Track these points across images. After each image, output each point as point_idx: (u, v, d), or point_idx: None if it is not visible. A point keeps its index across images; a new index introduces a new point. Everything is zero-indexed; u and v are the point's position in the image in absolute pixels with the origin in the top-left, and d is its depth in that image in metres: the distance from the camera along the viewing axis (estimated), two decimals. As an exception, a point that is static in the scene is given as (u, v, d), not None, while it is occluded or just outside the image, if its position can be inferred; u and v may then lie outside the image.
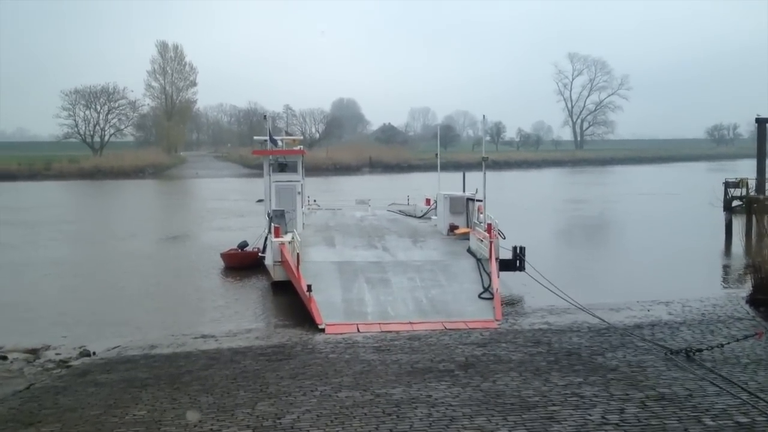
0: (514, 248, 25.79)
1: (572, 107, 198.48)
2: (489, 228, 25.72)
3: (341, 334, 18.45)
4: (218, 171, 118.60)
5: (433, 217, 34.82)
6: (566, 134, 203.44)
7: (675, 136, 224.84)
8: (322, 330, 19.02)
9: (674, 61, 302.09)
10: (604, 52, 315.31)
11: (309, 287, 20.66)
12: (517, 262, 25.74)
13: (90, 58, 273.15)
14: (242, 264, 30.18)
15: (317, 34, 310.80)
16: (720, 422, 10.45)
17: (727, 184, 40.18)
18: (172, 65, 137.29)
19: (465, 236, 29.13)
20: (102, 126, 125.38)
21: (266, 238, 28.45)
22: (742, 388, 12.02)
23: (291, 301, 22.85)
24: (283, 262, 24.48)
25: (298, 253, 23.24)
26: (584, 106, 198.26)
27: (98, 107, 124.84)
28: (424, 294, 21.92)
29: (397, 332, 18.37)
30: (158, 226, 48.68)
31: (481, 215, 27.94)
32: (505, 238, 26.35)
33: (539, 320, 20.00)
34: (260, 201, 34.43)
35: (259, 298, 24.70)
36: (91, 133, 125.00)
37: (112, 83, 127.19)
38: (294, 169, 33.22)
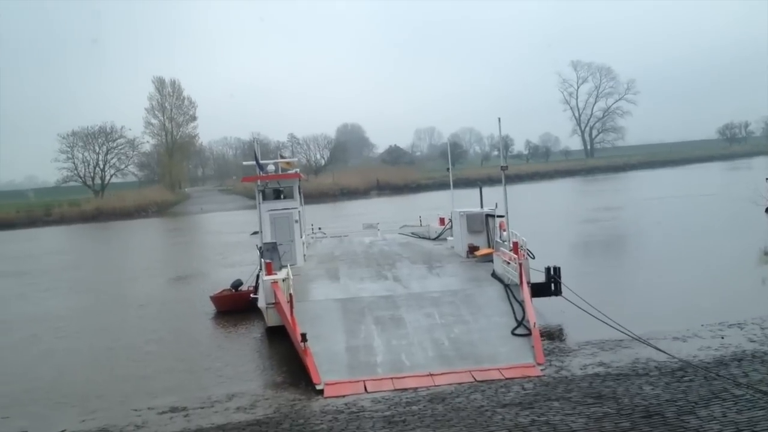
0: (548, 269, 21.80)
1: (579, 115, 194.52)
2: (515, 247, 21.92)
3: (344, 396, 14.61)
4: (224, 204, 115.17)
5: (449, 238, 30.98)
6: (575, 144, 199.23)
7: (685, 138, 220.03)
8: (321, 391, 15.20)
9: (679, 60, 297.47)
10: (607, 54, 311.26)
11: (303, 336, 16.87)
12: (552, 285, 21.77)
13: (89, 99, 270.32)
14: (235, 307, 26.33)
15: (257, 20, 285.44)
16: None
17: (772, 180, 36.19)
18: (170, 101, 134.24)
19: (487, 258, 25.35)
20: (102, 167, 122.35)
21: (258, 276, 24.68)
22: None
23: (288, 351, 19.00)
24: (276, 304, 20.73)
25: (291, 294, 19.47)
26: (592, 113, 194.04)
27: (97, 148, 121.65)
28: (445, 334, 18.05)
29: (415, 389, 14.53)
30: (164, 266, 44.71)
31: (505, 233, 24.19)
32: (534, 258, 22.46)
33: (591, 360, 16.06)
34: (255, 233, 30.64)
35: (250, 350, 20.73)
36: (92, 174, 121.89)
37: (110, 122, 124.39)
38: (290, 195, 29.90)
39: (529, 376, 14.83)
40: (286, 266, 23.00)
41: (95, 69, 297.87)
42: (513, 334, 17.70)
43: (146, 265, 45.61)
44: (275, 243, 24.73)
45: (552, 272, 21.83)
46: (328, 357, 16.94)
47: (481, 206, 29.48)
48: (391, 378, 15.46)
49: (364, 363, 16.53)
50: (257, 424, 12.88)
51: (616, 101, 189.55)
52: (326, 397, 14.69)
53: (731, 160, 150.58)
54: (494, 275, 22.97)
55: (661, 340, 17.35)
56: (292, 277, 21.43)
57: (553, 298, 21.60)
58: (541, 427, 10.82)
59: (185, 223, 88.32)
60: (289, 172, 31.65)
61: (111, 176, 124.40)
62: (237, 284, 27.87)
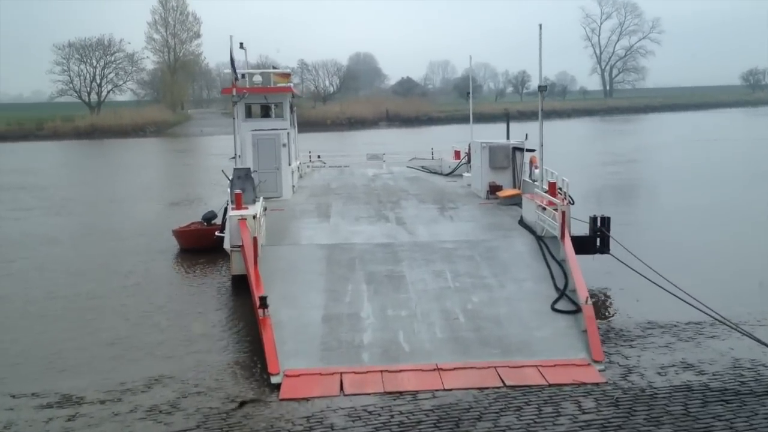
0: (593, 219, 16.87)
1: (601, 53, 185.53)
2: (552, 188, 17.01)
3: (308, 399, 9.89)
4: (225, 128, 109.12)
5: (466, 175, 25.93)
6: (592, 84, 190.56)
7: (706, 83, 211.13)
8: (278, 386, 10.49)
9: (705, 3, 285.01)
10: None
11: (263, 301, 12.09)
12: (598, 240, 16.87)
13: (89, 11, 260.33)
14: (200, 245, 21.62)
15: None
16: None
17: None
18: (173, 15, 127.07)
19: (512, 201, 20.47)
20: (99, 81, 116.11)
21: (226, 210, 19.81)
22: None
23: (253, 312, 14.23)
24: (242, 248, 15.93)
25: (255, 238, 14.66)
26: (614, 51, 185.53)
27: (94, 61, 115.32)
28: (460, 304, 13.22)
29: (415, 395, 9.79)
30: (160, 190, 39.33)
31: (537, 170, 19.22)
32: (573, 204, 17.51)
33: (669, 358, 11.22)
34: (234, 158, 25.63)
35: (205, 308, 15.85)
36: (88, 89, 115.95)
37: (108, 35, 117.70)
38: (280, 114, 25.20)
39: (584, 383, 10.05)
40: (260, 199, 18.15)
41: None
42: (553, 309, 12.88)
43: (140, 187, 40.44)
44: (248, 169, 19.71)
45: (599, 223, 16.92)
46: (296, 330, 12.20)
47: (507, 138, 24.46)
48: (381, 371, 10.68)
49: (345, 344, 11.73)
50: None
51: (640, 39, 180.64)
52: (282, 400, 9.97)
53: (754, 106, 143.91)
54: (522, 223, 18.08)
55: (757, 327, 12.58)
56: (264, 213, 16.62)
57: (597, 256, 16.77)
58: None
59: (184, 145, 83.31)
60: (281, 85, 26.57)
61: (108, 92, 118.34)
62: (209, 216, 23.07)
